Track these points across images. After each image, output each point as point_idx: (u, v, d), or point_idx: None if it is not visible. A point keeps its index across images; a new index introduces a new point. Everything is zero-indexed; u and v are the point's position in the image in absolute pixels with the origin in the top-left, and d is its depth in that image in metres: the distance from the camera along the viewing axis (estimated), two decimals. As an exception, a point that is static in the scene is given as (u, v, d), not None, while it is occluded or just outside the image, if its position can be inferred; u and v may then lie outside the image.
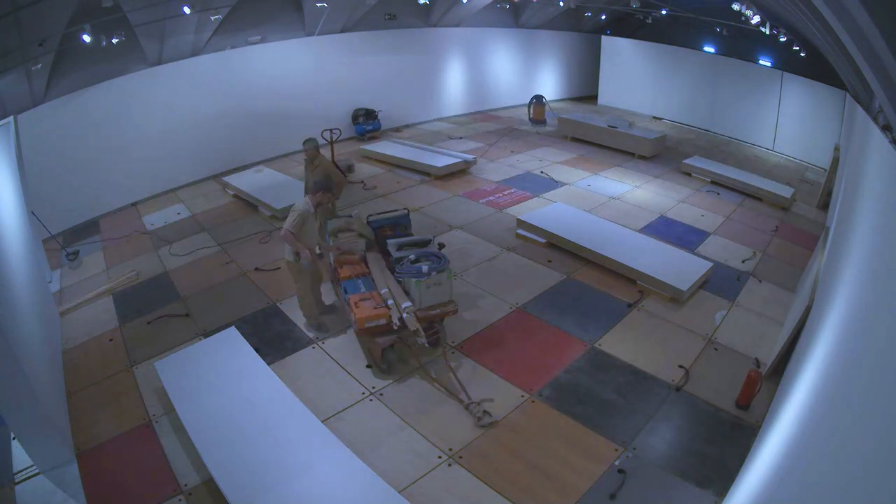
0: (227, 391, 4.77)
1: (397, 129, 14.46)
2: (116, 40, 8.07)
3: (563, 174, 11.00)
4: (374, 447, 4.40)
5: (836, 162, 9.70)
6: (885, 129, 3.94)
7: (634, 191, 10.18)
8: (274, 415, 4.51)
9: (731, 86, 14.58)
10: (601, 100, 18.30)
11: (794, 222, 9.19)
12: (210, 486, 4.00)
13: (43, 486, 4.06)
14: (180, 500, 3.98)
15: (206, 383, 4.86)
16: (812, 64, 11.89)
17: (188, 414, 4.47)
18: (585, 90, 19.29)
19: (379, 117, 13.73)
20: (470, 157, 11.35)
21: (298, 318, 6.11)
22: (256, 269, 7.23)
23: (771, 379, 5.05)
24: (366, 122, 13.49)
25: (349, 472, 3.96)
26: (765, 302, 6.58)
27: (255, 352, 5.26)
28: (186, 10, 8.28)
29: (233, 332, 5.59)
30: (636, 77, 17.17)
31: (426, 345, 5.30)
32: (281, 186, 9.78)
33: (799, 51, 11.90)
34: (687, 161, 11.35)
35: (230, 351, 5.31)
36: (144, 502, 3.98)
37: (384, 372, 5.21)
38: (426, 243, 5.98)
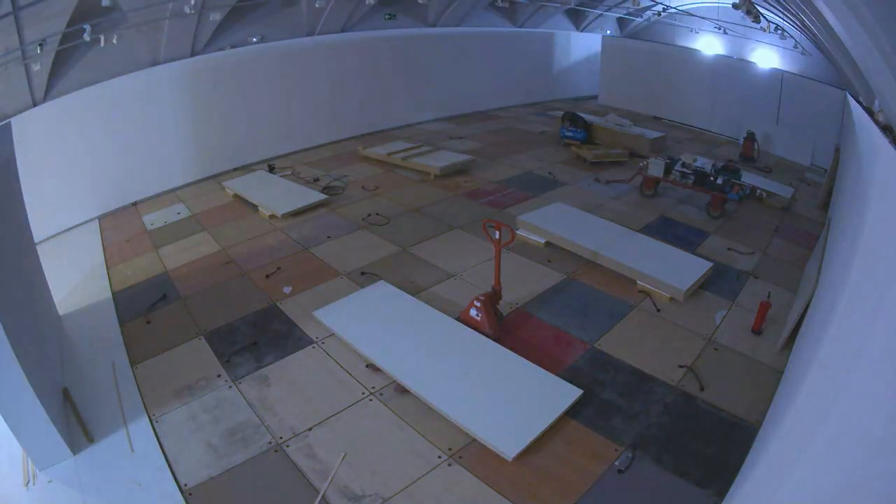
0: (387, 317, 5.79)
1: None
2: (116, 40, 8.07)
3: (563, 174, 11.01)
4: (374, 447, 4.41)
5: (836, 162, 9.69)
6: (885, 129, 3.94)
7: (634, 190, 10.16)
8: (431, 332, 5.55)
9: (731, 86, 14.59)
10: (601, 100, 18.30)
11: (794, 222, 9.19)
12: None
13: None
14: None
15: (365, 317, 5.80)
16: (812, 64, 11.90)
17: (355, 337, 5.48)
18: (585, 90, 19.29)
19: (380, 117, 13.77)
20: (470, 157, 11.34)
21: (299, 318, 6.11)
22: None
23: (785, 349, 5.45)
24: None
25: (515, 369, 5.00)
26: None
27: (404, 293, 6.23)
28: (186, 9, 8.28)
29: (383, 284, 6.46)
30: (636, 77, 17.17)
31: None
32: (283, 191, 9.79)
33: (799, 51, 11.91)
34: (687, 161, 11.32)
35: (382, 295, 6.25)
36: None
37: None
38: None
